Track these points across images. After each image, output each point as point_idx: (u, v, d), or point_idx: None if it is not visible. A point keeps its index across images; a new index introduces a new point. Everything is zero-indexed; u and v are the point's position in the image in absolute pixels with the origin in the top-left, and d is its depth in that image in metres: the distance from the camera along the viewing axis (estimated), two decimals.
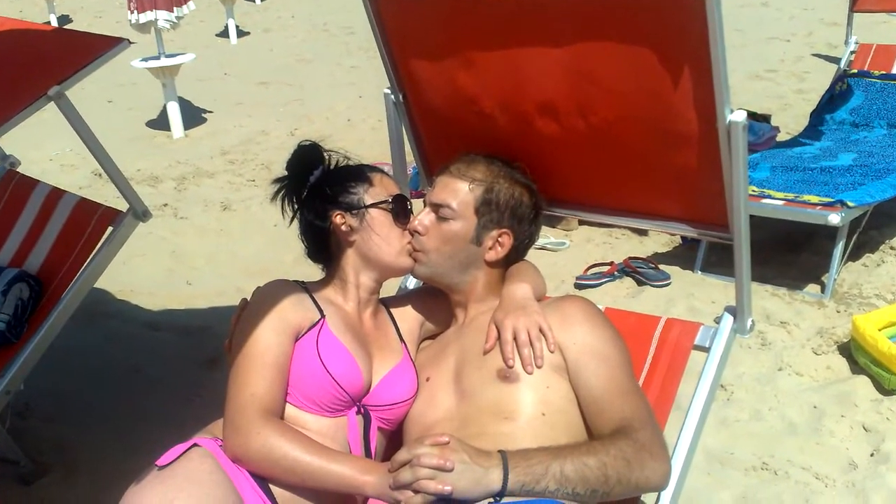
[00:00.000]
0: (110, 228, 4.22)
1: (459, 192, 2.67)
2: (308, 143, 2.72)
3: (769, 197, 5.76)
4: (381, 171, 2.78)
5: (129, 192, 4.22)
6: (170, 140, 9.91)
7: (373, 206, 2.66)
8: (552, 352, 2.49)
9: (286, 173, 2.71)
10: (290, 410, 2.49)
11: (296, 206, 2.72)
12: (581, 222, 6.95)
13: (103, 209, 4.32)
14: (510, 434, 2.37)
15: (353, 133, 9.61)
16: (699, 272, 6.13)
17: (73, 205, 4.36)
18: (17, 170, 4.83)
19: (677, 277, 6.10)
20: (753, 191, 5.80)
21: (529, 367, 2.47)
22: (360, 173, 2.72)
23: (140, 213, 4.23)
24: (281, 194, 2.71)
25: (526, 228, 2.75)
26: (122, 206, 4.27)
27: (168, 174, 8.67)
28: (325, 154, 2.72)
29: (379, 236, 2.65)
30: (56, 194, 4.43)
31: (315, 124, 10.09)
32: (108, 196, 6.03)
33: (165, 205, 7.81)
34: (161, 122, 10.28)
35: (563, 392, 2.46)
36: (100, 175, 8.07)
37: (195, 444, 2.35)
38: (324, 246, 2.72)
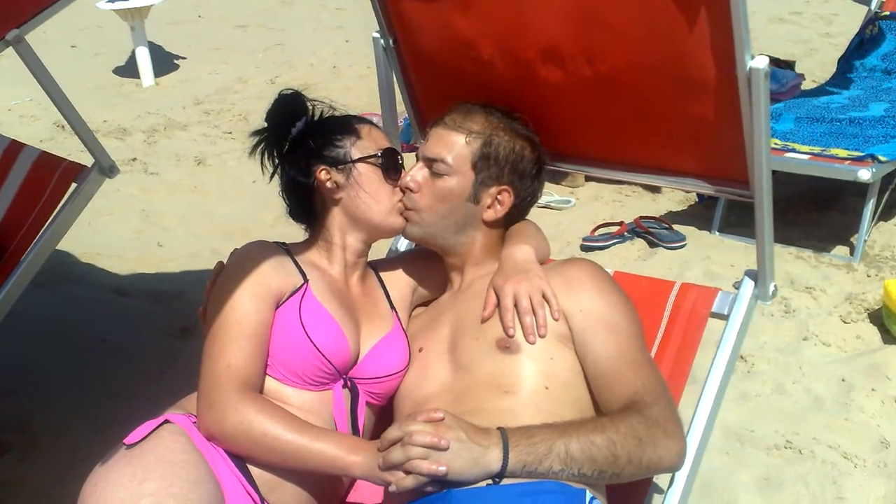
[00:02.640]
0: (74, 185, 4.21)
1: (455, 145, 2.66)
2: (290, 91, 2.71)
3: (793, 151, 5.75)
4: (370, 123, 2.76)
5: (95, 146, 4.20)
6: (139, 89, 9.87)
7: (360, 160, 2.65)
8: (556, 320, 2.48)
9: (266, 125, 2.70)
10: (270, 384, 2.49)
11: (276, 161, 2.71)
12: (588, 178, 6.94)
13: (66, 164, 4.30)
14: (510, 409, 2.37)
15: (338, 81, 9.59)
16: (717, 233, 6.13)
17: (33, 159, 4.34)
18: None
19: (693, 239, 6.10)
20: (776, 144, 5.79)
21: (532, 337, 2.46)
22: (347, 125, 2.71)
23: (106, 169, 4.21)
24: (260, 148, 2.69)
25: (528, 185, 2.74)
26: (87, 160, 4.26)
27: (137, 126, 8.64)
28: (308, 104, 2.72)
29: (367, 193, 2.64)
30: (15, 148, 4.41)
31: (297, 71, 10.06)
32: (72, 150, 6.03)
33: (134, 159, 7.79)
34: (129, 69, 10.24)
35: (568, 364, 2.46)
36: (62, 127, 8.04)
37: (167, 421, 2.34)
38: (307, 204, 2.71)
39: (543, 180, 2.82)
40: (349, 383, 2.57)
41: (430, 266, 2.84)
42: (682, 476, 2.47)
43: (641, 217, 6.25)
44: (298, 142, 2.68)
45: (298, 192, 2.70)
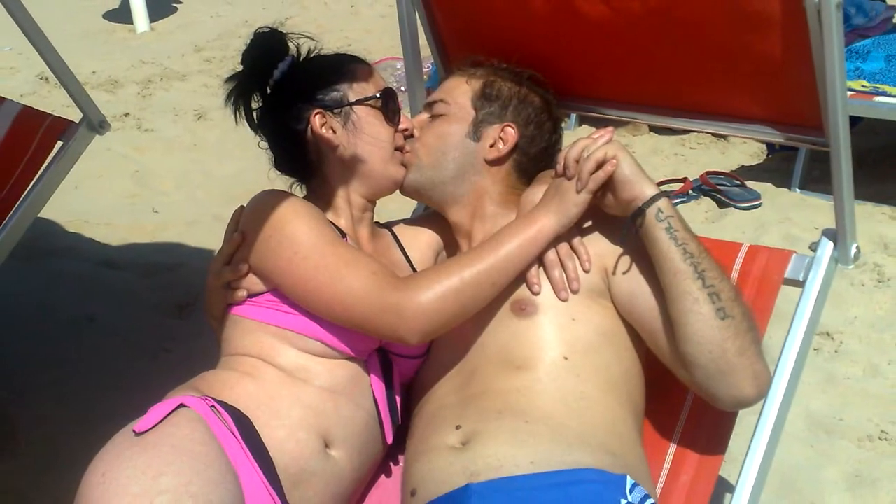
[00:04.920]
0: (59, 143, 4.22)
1: (455, 87, 2.78)
2: (266, 29, 2.72)
3: (884, 94, 5.68)
4: (363, 62, 2.80)
5: (83, 99, 4.21)
6: (132, 35, 9.92)
7: (358, 102, 2.69)
8: (587, 271, 2.51)
9: (241, 68, 2.73)
10: (297, 359, 2.51)
11: (260, 110, 2.75)
12: (651, 128, 6.93)
13: (51, 120, 4.31)
14: (524, 388, 2.41)
15: (357, 22, 9.61)
16: (798, 190, 6.11)
17: (14, 115, 4.36)
18: None
19: (770, 197, 6.09)
20: (865, 86, 5.76)
21: (563, 293, 2.49)
22: (340, 65, 2.75)
23: (96, 125, 4.22)
24: (235, 96, 2.73)
25: (534, 131, 2.77)
26: (75, 115, 4.27)
27: (130, 77, 8.69)
28: (289, 42, 2.73)
29: (368, 136, 2.68)
30: None
31: (310, 12, 10.07)
32: (57, 105, 6.07)
33: (127, 114, 7.84)
34: (122, 14, 10.28)
35: (595, 324, 2.49)
36: (46, 79, 8.11)
37: (182, 405, 2.32)
38: (301, 155, 2.73)
39: (559, 133, 2.87)
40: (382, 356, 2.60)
41: (444, 232, 2.90)
42: (751, 471, 2.47)
43: (709, 172, 6.24)
44: (284, 85, 2.70)
45: (289, 142, 2.73)
